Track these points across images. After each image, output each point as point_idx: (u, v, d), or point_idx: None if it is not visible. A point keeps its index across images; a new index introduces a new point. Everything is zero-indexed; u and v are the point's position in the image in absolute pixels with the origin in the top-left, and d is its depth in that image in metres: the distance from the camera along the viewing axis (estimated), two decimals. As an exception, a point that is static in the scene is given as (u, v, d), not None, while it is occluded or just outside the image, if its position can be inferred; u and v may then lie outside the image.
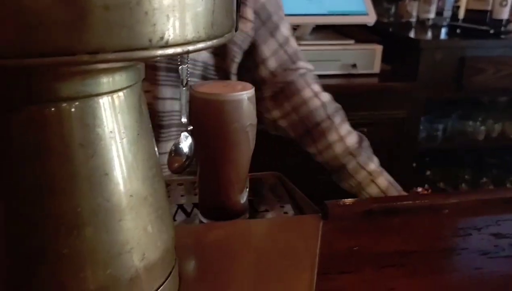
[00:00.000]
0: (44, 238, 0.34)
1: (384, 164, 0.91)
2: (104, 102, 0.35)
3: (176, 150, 0.57)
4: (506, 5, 1.94)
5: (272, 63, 0.87)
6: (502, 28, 1.92)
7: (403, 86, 1.80)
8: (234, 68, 0.84)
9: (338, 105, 0.93)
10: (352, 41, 1.80)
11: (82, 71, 0.33)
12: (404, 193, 0.78)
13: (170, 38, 0.29)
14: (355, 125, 1.82)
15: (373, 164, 0.86)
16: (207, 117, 0.58)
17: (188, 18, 0.30)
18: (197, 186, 0.65)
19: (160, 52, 0.29)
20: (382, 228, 0.58)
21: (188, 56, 0.55)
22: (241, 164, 0.61)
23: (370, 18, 1.82)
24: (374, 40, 1.84)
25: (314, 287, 0.46)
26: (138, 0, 0.26)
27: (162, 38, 0.28)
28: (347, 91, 1.78)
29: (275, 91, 0.88)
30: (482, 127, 1.96)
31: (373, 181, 0.82)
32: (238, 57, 0.84)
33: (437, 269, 0.50)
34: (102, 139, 0.35)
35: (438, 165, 2.08)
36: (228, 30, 0.35)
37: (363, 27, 1.89)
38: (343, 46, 1.78)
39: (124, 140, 0.37)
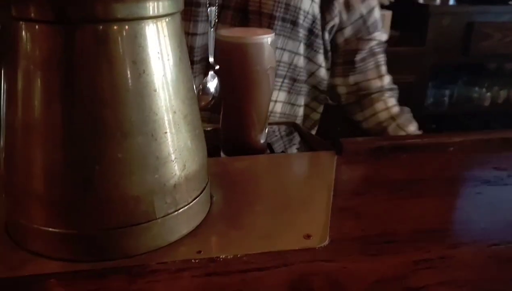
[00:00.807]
0: (102, 143, 0.40)
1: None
2: (152, 26, 0.40)
3: (204, 89, 0.62)
4: (515, -29, 1.95)
5: (348, 32, 0.93)
6: (511, -5, 1.93)
7: (411, 51, 1.83)
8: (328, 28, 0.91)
9: (395, 86, 1.00)
10: (361, 7, 1.82)
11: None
12: None
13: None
14: (363, 89, 1.85)
15: (413, 127, 0.92)
16: (231, 59, 0.63)
17: None
18: (220, 126, 0.70)
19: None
20: (392, 162, 0.63)
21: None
22: (262, 104, 0.66)
23: (380, -16, 1.84)
24: (383, 6, 1.86)
25: (331, 204, 0.51)
26: None
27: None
28: (356, 56, 1.81)
29: (344, 61, 0.95)
30: (488, 94, 1.99)
31: None
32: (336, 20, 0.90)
33: (442, 193, 0.55)
34: (151, 58, 0.40)
35: (445, 130, 2.12)
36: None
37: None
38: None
39: (169, 62, 0.42)
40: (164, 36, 0.41)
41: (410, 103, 1.87)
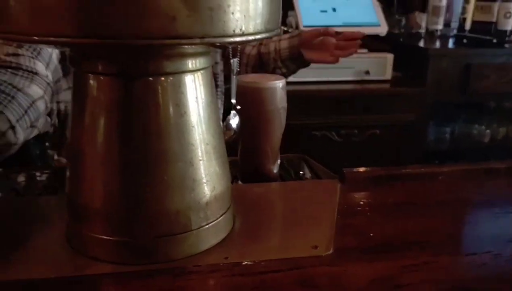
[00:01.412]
0: (151, 169, 0.50)
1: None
2: (190, 77, 0.51)
3: (227, 125, 0.73)
4: (510, 16, 2.09)
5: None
6: (506, 38, 2.06)
7: (412, 91, 1.95)
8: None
9: None
10: (365, 50, 1.96)
11: (182, 53, 0.49)
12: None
13: (244, 30, 0.45)
14: (368, 127, 1.98)
15: (275, 37, 1.11)
16: (250, 101, 0.74)
17: (256, 18, 0.46)
18: (238, 158, 0.80)
19: (238, 38, 0.45)
20: (388, 189, 0.73)
21: (239, 51, 0.72)
22: (275, 138, 0.77)
23: (382, 29, 1.98)
24: (386, 49, 1.99)
25: (335, 222, 0.61)
26: (229, 4, 0.43)
27: (240, 29, 0.44)
28: (360, 96, 1.93)
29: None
30: (488, 131, 2.09)
31: (280, 40, 1.12)
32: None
33: (430, 214, 0.65)
34: (190, 102, 0.51)
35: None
36: (276, 27, 0.51)
37: (375, 37, 2.05)
38: (357, 54, 1.93)
39: (203, 104, 0.53)
40: (200, 84, 0.52)
41: (412, 140, 1.99)
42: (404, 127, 1.97)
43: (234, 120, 0.73)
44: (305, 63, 1.15)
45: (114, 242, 0.52)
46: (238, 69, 0.70)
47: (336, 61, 1.16)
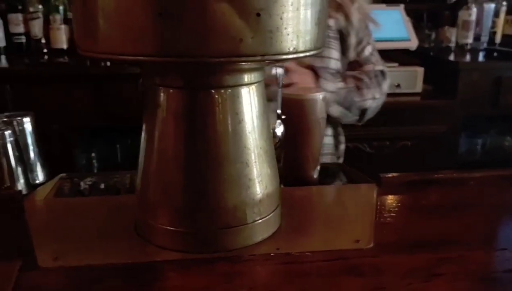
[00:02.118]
0: (213, 168, 0.57)
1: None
2: (246, 89, 0.59)
3: (272, 133, 0.81)
4: (540, 30, 2.11)
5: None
6: (537, 51, 2.08)
7: (443, 104, 1.98)
8: None
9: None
10: (396, 64, 2.01)
11: (240, 69, 0.56)
12: None
13: (297, 48, 0.52)
14: (399, 139, 2.02)
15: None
16: (293, 111, 0.81)
17: (307, 38, 0.53)
18: (281, 164, 0.87)
19: (291, 56, 0.52)
20: (421, 192, 0.78)
21: (284, 65, 0.79)
22: (315, 146, 0.84)
23: (412, 44, 2.04)
24: (416, 63, 2.04)
25: (374, 220, 0.67)
26: (285, 27, 0.50)
27: (294, 48, 0.52)
28: (392, 109, 1.97)
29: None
30: (520, 143, 2.11)
31: None
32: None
33: (461, 215, 0.70)
34: (246, 111, 0.59)
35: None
36: (322, 45, 0.58)
37: (406, 51, 2.10)
38: (388, 68, 1.99)
39: (257, 113, 0.60)
40: (254, 96, 0.60)
41: (443, 152, 2.02)
42: (436, 139, 2.00)
43: (279, 129, 0.80)
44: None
45: (179, 233, 0.59)
46: (282, 80, 0.77)
47: None
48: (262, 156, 0.61)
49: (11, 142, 0.76)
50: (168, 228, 0.59)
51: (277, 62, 0.59)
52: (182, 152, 0.58)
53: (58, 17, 1.93)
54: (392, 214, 0.70)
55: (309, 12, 0.53)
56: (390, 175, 0.81)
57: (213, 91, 0.57)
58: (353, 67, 1.31)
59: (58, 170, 0.94)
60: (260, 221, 0.61)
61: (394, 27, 2.08)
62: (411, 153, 1.99)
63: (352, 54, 1.30)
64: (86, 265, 0.57)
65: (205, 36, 0.48)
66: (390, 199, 0.76)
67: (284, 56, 0.52)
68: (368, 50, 1.31)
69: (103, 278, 0.56)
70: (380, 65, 1.32)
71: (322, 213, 0.71)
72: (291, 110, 0.81)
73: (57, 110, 1.73)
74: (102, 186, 0.90)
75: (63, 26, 1.95)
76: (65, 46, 1.97)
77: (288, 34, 0.51)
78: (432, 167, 1.98)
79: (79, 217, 0.71)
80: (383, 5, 2.17)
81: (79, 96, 1.75)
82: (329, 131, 1.27)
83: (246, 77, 0.58)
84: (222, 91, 0.57)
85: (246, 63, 0.54)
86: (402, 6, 2.13)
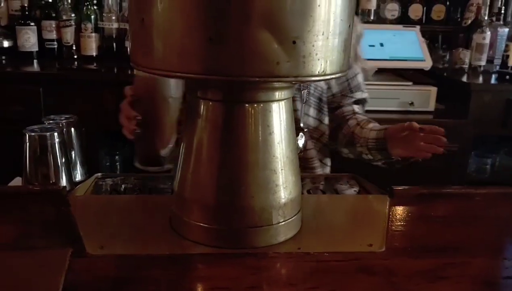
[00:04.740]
0: (245, 173, 0.65)
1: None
2: (277, 104, 0.66)
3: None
4: (552, 55, 2.16)
5: (335, 89, 1.25)
6: (548, 76, 2.13)
7: (454, 123, 2.04)
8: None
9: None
10: (410, 83, 2.08)
11: (273, 87, 0.64)
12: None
13: (327, 71, 0.60)
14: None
15: (371, 124, 1.19)
16: (142, 89, 0.87)
17: (334, 62, 0.61)
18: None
19: (320, 78, 0.60)
20: (430, 204, 0.85)
21: (308, 85, 0.87)
22: (164, 125, 0.89)
23: (427, 64, 2.11)
24: (430, 83, 2.10)
25: (386, 227, 0.74)
26: (316, 53, 0.58)
27: (323, 71, 0.59)
28: (404, 126, 2.04)
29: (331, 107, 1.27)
30: (529, 164, 2.15)
31: (371, 130, 1.17)
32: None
33: (469, 225, 0.76)
34: (276, 123, 0.66)
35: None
36: (347, 68, 0.66)
37: (420, 71, 2.17)
38: (402, 87, 2.06)
39: (285, 126, 0.67)
40: (283, 110, 0.67)
41: (453, 170, 2.07)
42: (446, 157, 2.05)
43: (301, 141, 0.88)
44: (389, 157, 1.17)
45: (212, 229, 0.66)
46: (307, 98, 0.85)
47: (425, 155, 1.16)
48: (288, 164, 0.68)
49: (58, 143, 0.85)
50: (202, 224, 0.67)
51: (306, 83, 0.67)
52: (217, 157, 0.65)
53: (89, 25, 2.03)
54: (402, 223, 0.77)
55: (336, 40, 0.60)
56: (401, 187, 0.88)
57: (247, 105, 0.64)
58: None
59: (89, 170, 1.03)
60: (283, 222, 0.68)
61: (410, 47, 2.15)
62: (421, 169, 2.04)
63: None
64: (128, 254, 0.65)
65: (247, 59, 0.55)
66: (401, 209, 0.82)
67: (314, 78, 0.60)
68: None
69: (143, 267, 0.63)
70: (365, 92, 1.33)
71: (339, 219, 0.78)
72: (140, 88, 0.87)
73: (84, 113, 1.82)
74: (132, 185, 0.98)
75: (93, 34, 2.05)
76: (94, 53, 2.07)
77: (318, 59, 0.58)
78: (441, 184, 2.03)
79: (118, 212, 0.79)
80: (400, 26, 2.24)
81: (106, 101, 1.84)
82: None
83: (277, 94, 0.66)
84: (255, 105, 0.65)
85: (279, 83, 0.61)
86: (418, 27, 2.21)
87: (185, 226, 0.69)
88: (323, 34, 0.58)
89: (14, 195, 0.82)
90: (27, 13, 2.05)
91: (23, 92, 1.83)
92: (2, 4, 2.11)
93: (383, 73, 2.16)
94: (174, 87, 0.86)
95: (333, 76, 0.62)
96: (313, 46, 0.57)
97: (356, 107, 1.28)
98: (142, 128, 0.88)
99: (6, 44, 2.04)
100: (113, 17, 2.06)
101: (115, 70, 1.97)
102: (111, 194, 0.93)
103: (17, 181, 1.05)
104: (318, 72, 0.59)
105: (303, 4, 0.56)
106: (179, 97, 0.88)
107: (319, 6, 0.56)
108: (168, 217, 0.73)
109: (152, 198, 0.86)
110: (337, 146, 1.27)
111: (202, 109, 0.66)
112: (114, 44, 2.07)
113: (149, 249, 0.66)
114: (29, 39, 2.03)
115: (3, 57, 2.05)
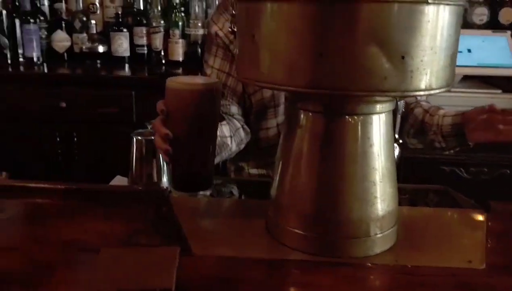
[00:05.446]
0: (344, 185, 0.66)
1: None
2: (377, 117, 0.67)
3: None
4: None
5: None
6: None
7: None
8: None
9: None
10: (499, 91, 1.98)
11: (376, 100, 0.65)
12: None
13: (432, 85, 0.60)
14: (498, 166, 1.98)
15: (442, 110, 1.12)
16: (173, 102, 0.78)
17: (440, 77, 0.61)
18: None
19: (426, 92, 0.60)
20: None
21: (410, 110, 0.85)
22: (200, 144, 0.82)
23: (518, 71, 2.00)
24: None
25: (485, 244, 0.72)
26: (424, 68, 0.58)
27: (430, 85, 0.59)
28: (492, 135, 1.95)
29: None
30: None
31: (444, 116, 1.10)
32: None
33: None
34: (376, 136, 0.67)
35: None
36: (451, 83, 0.65)
37: (510, 78, 2.06)
38: (491, 94, 1.97)
39: (385, 138, 0.68)
40: (384, 123, 0.68)
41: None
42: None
43: (395, 152, 0.87)
44: (466, 143, 1.10)
45: (309, 237, 0.68)
46: (403, 110, 0.85)
47: (507, 138, 1.04)
48: (386, 177, 0.69)
49: (160, 146, 0.90)
50: (299, 232, 0.69)
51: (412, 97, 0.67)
52: (316, 167, 0.67)
53: (177, 32, 2.13)
54: (501, 239, 0.75)
55: (444, 55, 0.60)
56: (498, 203, 0.85)
57: (348, 117, 0.66)
58: None
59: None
60: (380, 235, 0.69)
61: (499, 53, 2.05)
62: (509, 182, 1.94)
63: None
64: (229, 256, 0.69)
65: (356, 74, 0.57)
66: (499, 224, 0.80)
67: (420, 93, 0.60)
68: None
69: (243, 268, 0.66)
70: None
71: (435, 233, 0.77)
72: (172, 102, 0.78)
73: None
74: (226, 189, 1.02)
75: (180, 40, 2.14)
76: (180, 59, 2.17)
77: (426, 74, 0.59)
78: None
79: (217, 214, 0.84)
80: (489, 31, 2.14)
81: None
82: None
83: (378, 107, 0.66)
84: (356, 117, 0.66)
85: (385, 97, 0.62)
86: (509, 33, 2.10)
87: (282, 232, 0.72)
88: (431, 49, 0.58)
89: (122, 195, 0.89)
90: (120, 20, 2.18)
91: (117, 95, 1.95)
92: (98, 12, 2.27)
93: (471, 81, 2.08)
94: (209, 102, 0.78)
95: (438, 90, 0.62)
96: (421, 61, 0.58)
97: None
98: (175, 148, 0.78)
99: (101, 49, 2.19)
100: (199, 24, 2.14)
101: (199, 74, 2.05)
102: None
103: (118, 180, 1.13)
104: (425, 87, 0.59)
105: (413, 20, 0.56)
106: (215, 113, 0.80)
107: (428, 21, 0.57)
108: (264, 222, 0.76)
109: (248, 202, 0.90)
110: (403, 137, 1.24)
111: (302, 120, 0.68)
112: (199, 49, 2.15)
113: (248, 251, 0.70)
114: (122, 44, 2.16)
115: (98, 61, 2.20)
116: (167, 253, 0.67)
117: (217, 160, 0.94)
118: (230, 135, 1.02)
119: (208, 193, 0.83)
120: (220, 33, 1.12)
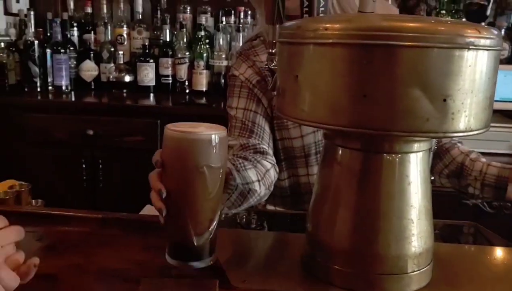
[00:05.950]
0: (381, 223, 0.67)
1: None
2: (415, 155, 0.68)
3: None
4: None
5: None
6: None
7: None
8: None
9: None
10: (522, 126, 1.98)
11: (414, 140, 0.66)
12: None
13: (471, 127, 0.61)
14: (524, 201, 1.94)
15: (484, 159, 1.10)
16: (170, 153, 0.67)
17: (479, 119, 0.62)
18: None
19: (465, 133, 0.62)
20: None
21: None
22: (198, 205, 0.68)
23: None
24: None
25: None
26: (465, 110, 0.60)
27: (469, 127, 0.61)
28: (515, 170, 1.94)
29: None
30: None
31: (489, 165, 1.06)
32: None
33: None
34: (414, 174, 0.68)
35: None
36: (489, 125, 0.67)
37: (532, 113, 2.06)
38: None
39: (422, 176, 0.69)
40: (422, 161, 0.69)
41: None
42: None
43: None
44: (503, 198, 1.05)
45: (346, 273, 0.69)
46: (435, 147, 0.86)
47: None
48: (423, 214, 0.70)
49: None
50: (337, 267, 0.70)
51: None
52: (354, 204, 0.69)
53: (202, 63, 2.19)
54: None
55: (483, 97, 0.62)
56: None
57: (385, 155, 0.67)
58: None
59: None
60: (417, 272, 0.69)
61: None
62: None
63: None
64: (267, 290, 0.69)
65: (398, 115, 0.59)
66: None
67: (460, 134, 0.62)
68: None
69: (281, 303, 0.67)
70: None
71: (469, 270, 0.77)
72: (168, 153, 0.66)
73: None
74: (255, 220, 1.03)
75: (204, 71, 2.20)
76: (204, 89, 2.22)
77: (466, 116, 0.60)
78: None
79: (253, 247, 0.85)
80: (511, 66, 2.16)
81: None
82: None
83: (416, 146, 0.68)
84: (393, 155, 0.67)
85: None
86: (531, 67, 2.11)
87: (318, 266, 0.72)
88: (472, 92, 0.60)
89: (154, 224, 0.91)
90: (147, 51, 2.24)
91: (142, 124, 2.00)
92: (125, 43, 2.34)
93: (493, 115, 2.08)
94: (214, 153, 0.65)
95: (477, 131, 0.63)
96: (462, 103, 0.59)
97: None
98: (169, 207, 0.66)
99: (127, 79, 2.25)
100: (223, 55, 2.19)
101: (222, 105, 2.09)
102: (236, 227, 0.99)
103: (148, 209, 1.15)
104: (465, 128, 0.61)
105: (454, 64, 0.58)
106: (220, 167, 0.67)
107: (469, 66, 0.59)
108: (300, 255, 0.77)
109: (283, 235, 0.91)
110: (433, 174, 1.22)
111: (339, 156, 0.70)
112: (223, 80, 2.20)
113: (285, 286, 0.70)
114: (147, 74, 2.22)
115: (124, 91, 2.25)
116: (206, 284, 0.68)
117: (242, 207, 0.86)
118: (258, 179, 0.88)
119: (202, 265, 0.68)
120: (242, 77, 1.09)
